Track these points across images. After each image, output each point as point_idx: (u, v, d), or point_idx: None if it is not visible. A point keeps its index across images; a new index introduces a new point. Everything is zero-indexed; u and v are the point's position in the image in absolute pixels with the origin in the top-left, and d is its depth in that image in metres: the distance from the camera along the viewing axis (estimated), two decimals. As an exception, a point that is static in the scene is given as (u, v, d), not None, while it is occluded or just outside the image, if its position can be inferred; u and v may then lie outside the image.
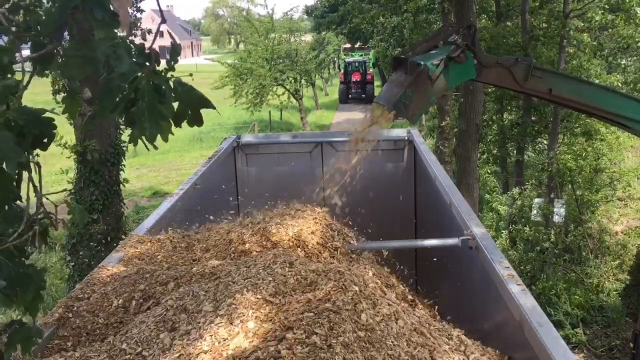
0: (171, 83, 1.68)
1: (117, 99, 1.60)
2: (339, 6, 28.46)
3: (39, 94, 7.00)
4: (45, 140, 1.65)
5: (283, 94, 26.00)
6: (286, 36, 27.45)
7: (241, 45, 36.22)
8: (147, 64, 1.63)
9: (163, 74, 1.67)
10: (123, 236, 8.57)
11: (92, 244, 9.05)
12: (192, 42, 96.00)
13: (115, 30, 1.62)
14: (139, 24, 10.38)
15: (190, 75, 1.92)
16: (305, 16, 34.76)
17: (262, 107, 25.40)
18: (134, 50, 1.62)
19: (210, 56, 41.85)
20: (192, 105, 1.73)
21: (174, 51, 1.73)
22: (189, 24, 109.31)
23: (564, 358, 2.43)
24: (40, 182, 1.69)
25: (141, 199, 17.48)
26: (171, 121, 1.69)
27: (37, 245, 1.66)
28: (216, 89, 26.10)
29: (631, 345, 7.86)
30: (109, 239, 9.01)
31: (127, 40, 1.63)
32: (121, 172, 9.50)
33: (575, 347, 9.84)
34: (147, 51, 1.65)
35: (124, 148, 9.46)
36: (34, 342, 1.75)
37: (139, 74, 1.61)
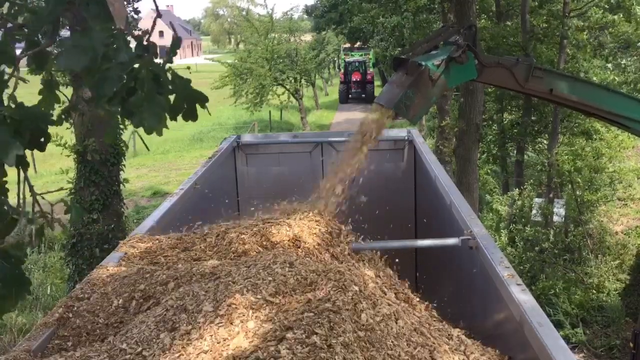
0: (169, 75, 1.65)
1: (115, 89, 1.57)
2: (338, 5, 28.45)
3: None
4: (42, 139, 1.62)
5: (283, 93, 25.97)
6: (286, 36, 27.42)
7: (241, 45, 36.19)
8: (146, 54, 1.62)
9: (162, 65, 1.66)
10: (122, 236, 8.57)
11: (92, 244, 9.05)
12: (192, 42, 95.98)
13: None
14: (136, 25, 10.36)
15: (188, 68, 1.89)
16: (305, 16, 34.77)
17: (262, 107, 25.36)
18: (131, 42, 1.61)
19: (210, 56, 41.77)
20: (188, 99, 1.70)
21: (174, 44, 1.71)
22: (189, 23, 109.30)
23: (564, 358, 2.43)
24: (27, 182, 1.67)
25: (141, 199, 17.45)
26: (166, 115, 1.66)
27: (33, 245, 1.65)
28: (216, 88, 26.07)
29: (631, 345, 7.84)
30: (109, 239, 9.01)
31: (124, 33, 1.62)
32: (121, 172, 9.51)
33: (575, 347, 9.83)
34: (145, 43, 1.64)
35: (124, 148, 9.47)
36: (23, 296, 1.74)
37: (138, 64, 1.58)
